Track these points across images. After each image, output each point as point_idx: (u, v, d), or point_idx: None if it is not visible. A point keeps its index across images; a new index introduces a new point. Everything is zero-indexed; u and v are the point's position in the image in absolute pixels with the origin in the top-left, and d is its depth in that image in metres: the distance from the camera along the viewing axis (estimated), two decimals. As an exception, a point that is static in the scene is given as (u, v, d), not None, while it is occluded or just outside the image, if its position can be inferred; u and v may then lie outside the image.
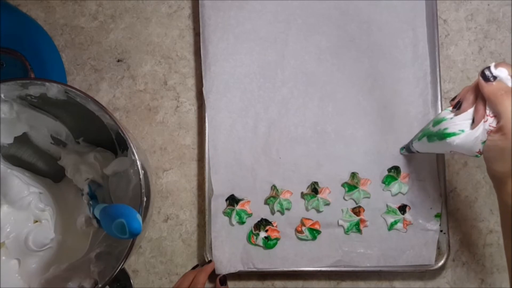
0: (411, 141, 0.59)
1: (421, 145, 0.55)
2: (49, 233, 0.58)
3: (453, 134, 0.47)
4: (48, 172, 0.61)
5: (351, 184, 0.62)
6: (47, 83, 0.49)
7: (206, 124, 0.63)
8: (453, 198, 0.65)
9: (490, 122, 0.45)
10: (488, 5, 0.67)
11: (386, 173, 0.63)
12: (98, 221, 0.51)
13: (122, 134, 0.49)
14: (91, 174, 0.57)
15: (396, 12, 0.64)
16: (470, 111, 0.47)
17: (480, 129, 0.45)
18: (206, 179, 0.63)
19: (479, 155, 0.47)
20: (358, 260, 0.62)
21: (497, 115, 0.44)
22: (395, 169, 0.62)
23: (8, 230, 0.57)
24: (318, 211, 0.62)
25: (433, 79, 0.64)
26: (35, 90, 0.50)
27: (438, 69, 0.64)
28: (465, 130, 0.47)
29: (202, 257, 0.63)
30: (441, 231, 0.62)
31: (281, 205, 0.62)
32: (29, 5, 0.67)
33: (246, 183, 0.63)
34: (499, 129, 0.43)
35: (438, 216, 0.62)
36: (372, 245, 0.62)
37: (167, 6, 0.67)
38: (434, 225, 0.62)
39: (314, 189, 0.62)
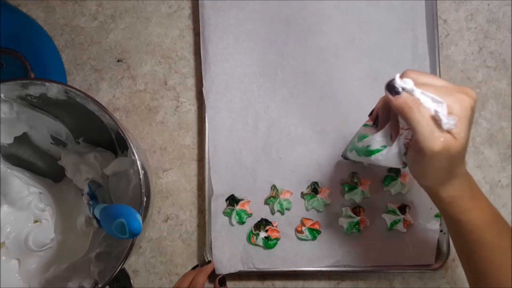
0: (346, 150, 0.57)
1: (353, 156, 0.52)
2: (49, 233, 0.58)
3: (377, 151, 0.45)
4: (48, 172, 0.61)
5: (351, 184, 0.62)
6: (47, 83, 0.49)
7: (206, 124, 0.63)
8: (453, 198, 0.65)
9: (405, 134, 0.42)
10: (488, 5, 0.67)
11: (386, 173, 0.63)
12: (98, 221, 0.51)
13: (122, 134, 0.49)
14: (91, 174, 0.57)
15: (396, 12, 0.64)
16: (388, 125, 0.45)
17: (400, 142, 0.43)
18: (206, 179, 0.63)
19: (405, 166, 0.45)
20: (358, 260, 0.62)
21: (410, 128, 0.40)
22: (395, 169, 0.62)
23: (8, 230, 0.57)
24: (318, 211, 0.62)
25: (433, 79, 0.64)
26: (35, 90, 0.50)
27: (438, 69, 0.64)
28: (386, 145, 0.45)
29: (202, 257, 0.63)
30: (441, 231, 0.62)
31: (281, 205, 0.62)
32: (29, 5, 0.67)
33: (246, 183, 0.63)
34: (414, 144, 0.40)
35: (438, 216, 0.62)
36: (372, 245, 0.62)
37: (167, 6, 0.67)
38: (434, 225, 0.62)
39: (314, 189, 0.62)
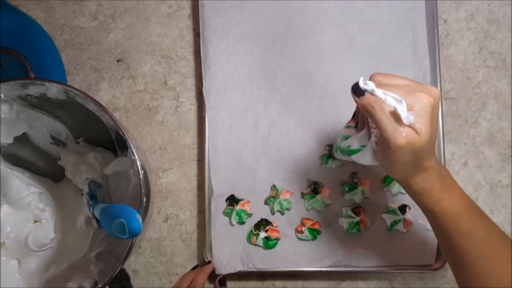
0: (332, 149, 0.59)
1: (339, 155, 0.54)
2: (49, 233, 0.58)
3: (357, 150, 0.48)
4: (48, 172, 0.61)
5: (352, 184, 0.62)
6: (47, 83, 0.49)
7: (206, 124, 0.63)
8: (453, 198, 0.65)
9: (375, 133, 0.45)
10: (488, 5, 0.67)
11: (386, 173, 0.63)
12: (98, 221, 0.51)
13: (122, 134, 0.49)
14: (91, 174, 0.57)
15: (396, 12, 0.64)
16: (366, 127, 0.47)
17: (372, 140, 0.45)
18: (206, 179, 0.63)
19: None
20: (358, 260, 0.62)
21: (376, 126, 0.43)
22: (395, 169, 0.62)
23: (8, 230, 0.57)
24: (318, 211, 0.62)
25: (433, 79, 0.64)
26: (35, 90, 0.50)
27: (438, 69, 0.64)
28: (365, 145, 0.47)
29: (202, 257, 0.63)
30: (441, 231, 0.62)
31: (281, 205, 0.62)
32: (29, 5, 0.67)
33: (246, 183, 0.63)
34: (380, 140, 0.43)
35: (438, 216, 0.62)
36: (372, 245, 0.62)
37: (167, 6, 0.67)
38: (434, 225, 0.62)
39: (314, 189, 0.62)
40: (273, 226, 0.62)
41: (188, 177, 0.65)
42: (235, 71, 0.64)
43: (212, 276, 0.62)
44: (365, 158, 0.47)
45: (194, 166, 0.66)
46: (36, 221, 0.59)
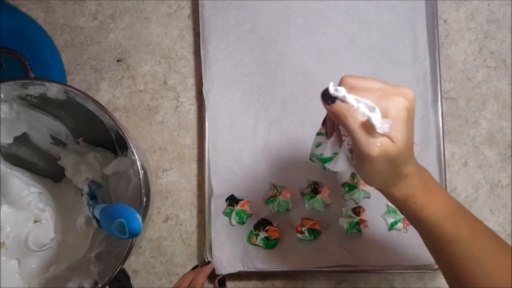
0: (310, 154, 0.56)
1: (316, 162, 0.51)
2: (49, 233, 0.58)
3: (329, 158, 0.45)
4: (48, 172, 0.61)
5: (352, 184, 0.62)
6: (46, 83, 0.49)
7: (206, 124, 0.63)
8: (453, 198, 0.65)
9: (347, 141, 0.43)
10: (488, 5, 0.67)
11: (386, 173, 0.63)
12: (98, 221, 0.51)
13: (122, 134, 0.49)
14: (91, 174, 0.57)
15: (396, 12, 0.64)
16: (335, 133, 0.45)
17: (344, 148, 0.43)
18: (206, 179, 0.63)
19: None
20: (358, 260, 0.62)
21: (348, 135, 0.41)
22: (395, 169, 0.62)
23: (8, 230, 0.57)
24: (318, 211, 0.62)
25: (433, 79, 0.64)
26: (35, 90, 0.50)
27: (438, 69, 0.64)
28: (337, 152, 0.45)
29: (202, 258, 0.63)
30: (441, 231, 0.62)
31: (281, 205, 0.62)
32: (29, 5, 0.67)
33: (246, 183, 0.63)
34: (354, 150, 0.40)
35: (438, 216, 0.62)
36: (372, 245, 0.62)
37: (167, 6, 0.67)
38: (434, 225, 0.62)
39: (314, 189, 0.62)
40: (273, 226, 0.62)
41: (188, 177, 0.65)
42: (235, 71, 0.64)
43: (212, 276, 0.62)
44: (339, 166, 0.45)
45: (194, 166, 0.66)
46: (36, 221, 0.59)
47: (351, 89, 0.38)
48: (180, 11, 0.67)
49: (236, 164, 0.63)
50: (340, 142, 0.44)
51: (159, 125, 0.66)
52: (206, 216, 0.63)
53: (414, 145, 0.62)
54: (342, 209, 0.62)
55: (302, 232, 0.62)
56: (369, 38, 0.64)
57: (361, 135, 0.37)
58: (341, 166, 0.44)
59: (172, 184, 0.65)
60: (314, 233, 0.62)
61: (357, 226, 0.61)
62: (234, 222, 0.62)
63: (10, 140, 0.56)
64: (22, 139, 0.57)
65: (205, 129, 0.64)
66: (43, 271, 0.56)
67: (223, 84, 0.64)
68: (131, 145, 0.48)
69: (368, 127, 0.36)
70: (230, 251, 0.62)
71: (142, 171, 0.48)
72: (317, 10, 0.64)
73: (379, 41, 0.64)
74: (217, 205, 0.63)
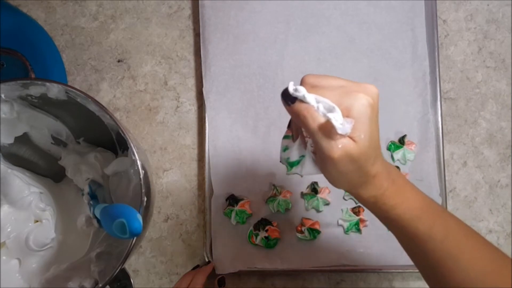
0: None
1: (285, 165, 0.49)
2: (49, 233, 0.58)
3: (296, 162, 0.43)
4: (49, 172, 0.61)
5: (351, 184, 0.62)
6: (47, 83, 0.49)
7: (206, 124, 0.64)
8: (452, 198, 0.65)
9: (310, 142, 0.41)
10: (488, 5, 0.67)
11: (386, 173, 0.63)
12: (98, 221, 0.51)
13: (122, 134, 0.49)
14: (91, 174, 0.57)
15: (395, 13, 0.64)
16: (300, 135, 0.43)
17: (308, 150, 0.41)
18: (206, 179, 0.63)
19: None
20: (358, 260, 0.62)
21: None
22: (395, 169, 0.63)
23: (8, 229, 0.57)
24: (318, 211, 0.63)
25: (433, 79, 0.64)
26: (35, 90, 0.50)
27: (437, 69, 0.64)
28: (304, 154, 0.43)
29: (202, 257, 0.63)
30: (440, 231, 0.62)
31: (281, 205, 0.62)
32: (30, 6, 0.67)
33: (246, 183, 0.63)
34: (316, 151, 0.39)
35: (437, 216, 0.62)
36: (372, 245, 0.62)
37: (167, 6, 0.67)
38: (433, 225, 0.62)
39: (314, 189, 0.62)
40: (273, 226, 0.62)
41: (188, 177, 0.66)
42: (235, 71, 0.64)
43: (213, 276, 0.62)
44: (306, 169, 0.43)
45: (194, 166, 0.66)
46: (37, 221, 0.59)
47: (312, 88, 0.36)
48: (180, 11, 0.67)
49: (236, 164, 0.63)
50: (304, 144, 0.42)
51: (159, 125, 0.66)
52: (206, 216, 0.63)
53: (413, 145, 0.63)
54: (342, 209, 0.62)
55: (302, 232, 0.62)
56: (369, 39, 0.64)
57: (321, 137, 0.35)
58: (308, 169, 0.42)
59: (172, 184, 0.65)
60: (314, 232, 0.62)
61: (356, 226, 0.62)
62: (234, 222, 0.62)
63: (11, 140, 0.56)
64: (23, 139, 0.57)
65: (205, 129, 0.64)
66: (44, 271, 0.57)
67: (223, 84, 0.64)
68: (132, 145, 0.48)
69: (329, 128, 0.34)
70: (230, 251, 0.62)
71: (143, 171, 0.48)
72: (316, 11, 0.64)
73: (378, 41, 0.64)
74: (217, 205, 0.63)
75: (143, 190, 0.48)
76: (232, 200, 0.62)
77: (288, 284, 0.64)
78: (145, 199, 0.48)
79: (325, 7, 0.64)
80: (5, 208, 0.57)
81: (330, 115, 0.34)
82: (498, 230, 0.65)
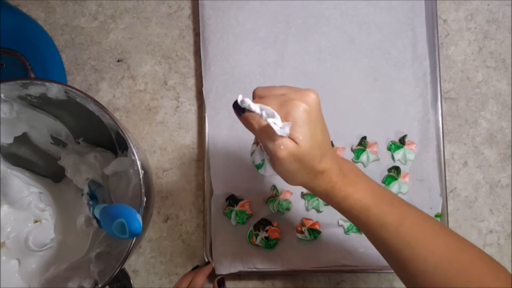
0: None
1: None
2: (49, 233, 0.58)
3: (260, 165, 0.47)
4: (48, 172, 0.61)
5: (351, 184, 0.62)
6: (47, 83, 0.49)
7: (206, 124, 0.63)
8: (453, 198, 0.65)
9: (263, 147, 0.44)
10: (488, 5, 0.67)
11: (386, 173, 0.63)
12: (98, 221, 0.51)
13: (122, 134, 0.49)
14: (91, 174, 0.57)
15: (396, 12, 0.64)
16: None
17: (264, 154, 0.45)
18: (206, 179, 0.63)
19: None
20: (358, 260, 0.62)
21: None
22: (395, 169, 0.62)
23: (8, 230, 0.57)
24: (318, 211, 0.62)
25: (433, 79, 0.64)
26: (35, 90, 0.50)
27: (438, 69, 0.64)
28: (265, 158, 0.46)
29: (202, 258, 0.63)
30: (441, 231, 0.62)
31: (281, 205, 0.62)
32: (29, 5, 0.67)
33: (246, 183, 0.63)
34: (267, 153, 0.43)
35: (438, 216, 0.62)
36: (373, 245, 0.62)
37: (167, 6, 0.67)
38: (434, 225, 0.62)
39: (314, 189, 0.62)
40: (273, 226, 0.62)
41: (188, 177, 0.65)
42: (235, 71, 0.64)
43: (212, 276, 0.62)
44: (268, 171, 0.46)
45: (194, 166, 0.66)
46: (36, 221, 0.58)
47: (260, 98, 0.41)
48: (180, 11, 0.67)
49: (236, 164, 0.63)
50: (261, 148, 0.46)
51: (159, 125, 0.66)
52: (206, 216, 0.63)
53: (414, 145, 0.63)
54: (342, 209, 0.62)
55: (302, 232, 0.62)
56: (369, 39, 0.64)
57: (266, 140, 0.40)
58: (270, 171, 0.46)
59: (172, 184, 0.65)
60: (314, 233, 0.62)
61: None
62: (234, 222, 0.62)
63: (10, 140, 0.55)
64: (22, 139, 0.57)
65: (205, 129, 0.64)
66: (43, 271, 0.56)
67: (223, 84, 0.64)
68: (131, 145, 0.48)
69: (270, 131, 0.39)
70: (230, 251, 0.62)
71: (142, 171, 0.48)
72: (316, 11, 0.64)
73: (378, 41, 0.64)
74: (217, 205, 0.63)
75: (143, 190, 0.48)
76: (232, 200, 0.62)
77: (288, 284, 0.64)
78: (145, 199, 0.48)
79: (325, 7, 0.64)
80: (5, 208, 0.57)
81: (269, 120, 0.38)
82: (498, 230, 0.65)
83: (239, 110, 0.41)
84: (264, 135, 0.40)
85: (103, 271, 0.52)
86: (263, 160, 0.46)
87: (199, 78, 0.65)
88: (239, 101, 0.40)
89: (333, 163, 0.43)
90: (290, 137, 0.39)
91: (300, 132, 0.39)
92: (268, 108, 0.39)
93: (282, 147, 0.39)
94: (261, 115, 0.39)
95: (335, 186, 0.43)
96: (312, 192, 0.45)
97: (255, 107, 0.39)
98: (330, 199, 0.44)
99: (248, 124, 0.41)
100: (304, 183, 0.43)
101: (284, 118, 0.39)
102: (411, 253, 0.42)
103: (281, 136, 0.39)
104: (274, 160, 0.41)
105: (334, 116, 0.64)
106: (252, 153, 0.48)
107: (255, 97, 0.42)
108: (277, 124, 0.39)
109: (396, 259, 0.44)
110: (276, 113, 0.39)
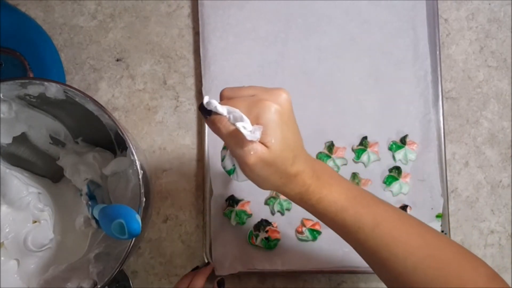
0: None
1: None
2: (48, 234, 0.58)
3: (232, 170, 0.45)
4: (47, 172, 0.61)
5: (352, 184, 0.62)
6: (46, 83, 0.48)
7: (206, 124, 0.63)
8: (454, 198, 0.65)
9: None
10: (489, 4, 0.67)
11: (387, 173, 0.63)
12: (97, 221, 0.50)
13: (121, 134, 0.49)
14: (90, 174, 0.57)
15: (397, 11, 0.64)
16: None
17: (233, 159, 0.43)
18: (206, 179, 0.63)
19: None
20: (359, 261, 0.61)
21: None
22: (396, 169, 0.62)
23: (7, 230, 0.57)
24: (319, 211, 0.62)
25: (434, 79, 0.63)
26: (34, 89, 0.50)
27: (439, 69, 0.64)
28: (236, 164, 0.44)
29: (202, 258, 0.63)
30: (442, 231, 0.62)
31: (281, 205, 0.62)
32: (28, 5, 0.67)
33: (246, 183, 0.62)
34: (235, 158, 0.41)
35: (439, 216, 0.62)
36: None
37: (167, 5, 0.67)
38: (435, 226, 0.62)
39: (315, 189, 0.62)
40: (273, 226, 0.62)
41: (188, 177, 0.65)
42: (234, 71, 0.64)
43: (212, 277, 0.61)
44: (240, 176, 0.44)
45: (193, 166, 0.65)
46: (35, 222, 0.58)
47: (228, 100, 0.39)
48: (179, 10, 0.67)
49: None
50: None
51: (158, 125, 0.66)
52: (206, 217, 0.62)
53: (415, 145, 0.62)
54: (343, 210, 0.62)
55: (302, 233, 0.61)
56: (370, 38, 0.64)
57: (234, 145, 0.38)
58: (242, 176, 0.43)
59: (172, 184, 0.65)
60: (315, 233, 0.61)
61: (357, 227, 0.61)
62: (234, 223, 0.62)
63: (9, 140, 0.55)
64: (21, 139, 0.56)
65: (205, 129, 0.63)
66: (42, 272, 0.56)
67: (223, 84, 0.63)
68: (130, 145, 0.48)
69: (239, 136, 0.36)
70: (230, 252, 0.62)
71: (142, 171, 0.48)
72: (317, 10, 0.64)
73: (379, 40, 0.64)
74: (217, 205, 0.62)
75: (142, 191, 0.47)
76: (232, 200, 0.62)
77: (288, 285, 0.64)
78: (144, 199, 0.47)
79: (325, 6, 0.64)
80: (3, 208, 0.57)
81: (238, 124, 0.36)
82: (499, 231, 0.65)
83: (206, 112, 0.38)
84: (232, 140, 0.38)
85: (102, 271, 0.52)
86: (234, 165, 0.44)
87: (199, 77, 0.65)
88: (204, 102, 0.38)
89: (306, 165, 0.41)
90: (261, 141, 0.37)
91: (272, 135, 0.37)
92: (237, 110, 0.37)
93: (252, 153, 0.37)
94: (229, 118, 0.37)
95: (308, 189, 0.41)
96: (286, 196, 0.43)
97: (222, 109, 0.37)
98: (305, 203, 0.42)
99: (215, 128, 0.39)
100: (277, 187, 0.41)
101: (254, 121, 0.37)
102: (389, 253, 0.41)
103: (251, 141, 0.37)
104: (244, 167, 0.39)
105: (334, 116, 0.63)
106: (223, 159, 0.45)
107: (223, 98, 0.40)
108: (246, 128, 0.36)
109: (375, 260, 0.43)
110: (244, 116, 0.37)
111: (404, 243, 0.41)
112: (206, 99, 0.38)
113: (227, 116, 0.37)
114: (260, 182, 0.41)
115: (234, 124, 0.36)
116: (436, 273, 0.41)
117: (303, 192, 0.42)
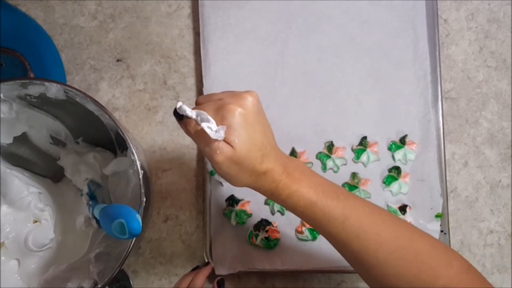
0: None
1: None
2: (48, 233, 0.58)
3: (213, 171, 0.47)
4: (48, 172, 0.61)
5: (352, 184, 0.62)
6: (46, 83, 0.48)
7: (206, 124, 0.63)
8: (453, 198, 0.65)
9: None
10: (489, 4, 0.67)
11: (387, 173, 0.63)
12: (97, 221, 0.51)
13: (121, 134, 0.49)
14: (90, 174, 0.57)
15: (397, 12, 0.64)
16: None
17: None
18: (206, 179, 0.63)
19: None
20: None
21: None
22: (396, 169, 0.62)
23: (7, 230, 0.57)
24: (318, 211, 0.62)
25: (434, 79, 0.64)
26: (34, 89, 0.50)
27: (438, 69, 0.64)
28: None
29: (202, 258, 0.63)
30: (441, 231, 0.62)
31: (281, 205, 0.62)
32: (28, 5, 0.67)
33: (246, 183, 0.63)
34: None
35: (438, 216, 0.62)
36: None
37: (167, 5, 0.67)
38: (434, 226, 0.62)
39: (314, 189, 0.62)
40: (273, 226, 0.62)
41: (188, 177, 0.65)
42: (235, 71, 0.64)
43: (212, 277, 0.61)
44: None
45: (193, 166, 0.65)
46: (36, 221, 0.58)
47: (200, 105, 0.43)
48: (180, 10, 0.67)
49: (236, 164, 0.63)
50: None
51: (158, 125, 0.66)
52: (206, 217, 0.62)
53: (414, 145, 0.62)
54: (342, 209, 0.62)
55: (302, 233, 0.61)
56: (370, 38, 0.64)
57: (202, 145, 0.41)
58: None
59: (172, 184, 0.65)
60: (314, 233, 0.61)
61: (357, 226, 0.61)
62: (234, 223, 0.62)
63: (10, 140, 0.55)
64: (22, 139, 0.56)
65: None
66: (43, 272, 0.56)
67: (223, 84, 0.64)
68: (131, 145, 0.48)
69: (206, 136, 0.40)
70: (230, 252, 0.62)
71: (142, 171, 0.48)
72: (317, 10, 0.64)
73: (379, 40, 0.64)
74: (217, 205, 0.62)
75: (142, 191, 0.47)
76: (232, 200, 0.62)
77: (288, 285, 0.64)
78: (144, 199, 0.48)
79: (325, 6, 0.64)
80: (4, 208, 0.57)
81: (203, 124, 0.40)
82: (499, 231, 0.65)
83: (178, 117, 0.42)
84: (200, 140, 0.41)
85: (103, 271, 0.52)
86: None
87: (199, 77, 0.65)
88: (177, 107, 0.41)
89: (276, 163, 0.43)
90: (226, 141, 0.40)
91: (236, 135, 0.40)
92: (204, 113, 0.40)
93: (218, 152, 0.40)
94: (196, 120, 0.40)
95: (278, 185, 0.43)
96: (259, 192, 0.45)
97: (191, 113, 0.40)
98: (276, 198, 0.44)
99: (186, 130, 0.42)
100: (248, 184, 0.44)
101: (220, 123, 0.40)
102: (360, 245, 0.42)
103: (216, 140, 0.40)
104: (213, 164, 0.42)
105: (334, 115, 0.63)
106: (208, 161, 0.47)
107: (196, 104, 0.44)
108: (211, 128, 0.40)
109: (348, 253, 0.44)
110: (210, 118, 0.40)
111: (375, 234, 0.42)
112: (178, 104, 0.41)
113: (196, 118, 0.40)
114: (231, 180, 0.43)
115: (200, 125, 0.40)
116: (407, 264, 0.41)
117: (273, 189, 0.43)
